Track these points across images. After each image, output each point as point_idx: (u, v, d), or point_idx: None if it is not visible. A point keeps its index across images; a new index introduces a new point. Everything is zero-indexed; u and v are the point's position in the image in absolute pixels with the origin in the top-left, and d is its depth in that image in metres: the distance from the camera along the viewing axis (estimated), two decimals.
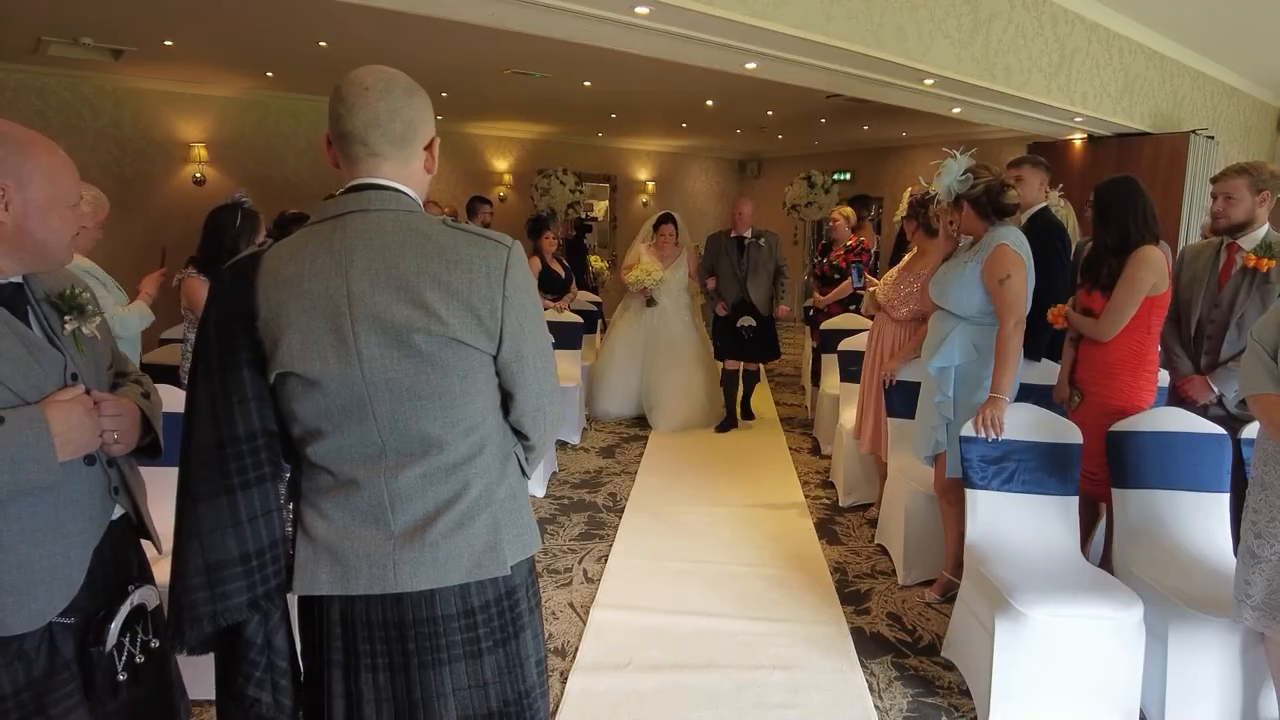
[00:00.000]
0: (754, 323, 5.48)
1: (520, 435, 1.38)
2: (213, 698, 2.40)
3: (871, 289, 4.04)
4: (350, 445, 1.24)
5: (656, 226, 5.81)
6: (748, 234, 5.53)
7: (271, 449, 1.27)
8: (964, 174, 2.90)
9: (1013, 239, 2.81)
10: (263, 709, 1.27)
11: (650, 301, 5.74)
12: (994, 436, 2.71)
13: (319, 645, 1.30)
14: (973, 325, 2.91)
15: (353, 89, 1.24)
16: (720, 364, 5.78)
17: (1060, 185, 4.82)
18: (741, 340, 5.50)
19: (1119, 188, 2.86)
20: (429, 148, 1.31)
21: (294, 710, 1.31)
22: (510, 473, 1.34)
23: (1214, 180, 2.99)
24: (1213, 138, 6.58)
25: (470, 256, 1.21)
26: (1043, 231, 3.27)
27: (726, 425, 5.73)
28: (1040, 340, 3.26)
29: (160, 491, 1.94)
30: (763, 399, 6.63)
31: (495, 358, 1.26)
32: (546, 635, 2.88)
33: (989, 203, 2.85)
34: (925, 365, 3.03)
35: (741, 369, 5.71)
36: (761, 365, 6.12)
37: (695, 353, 5.85)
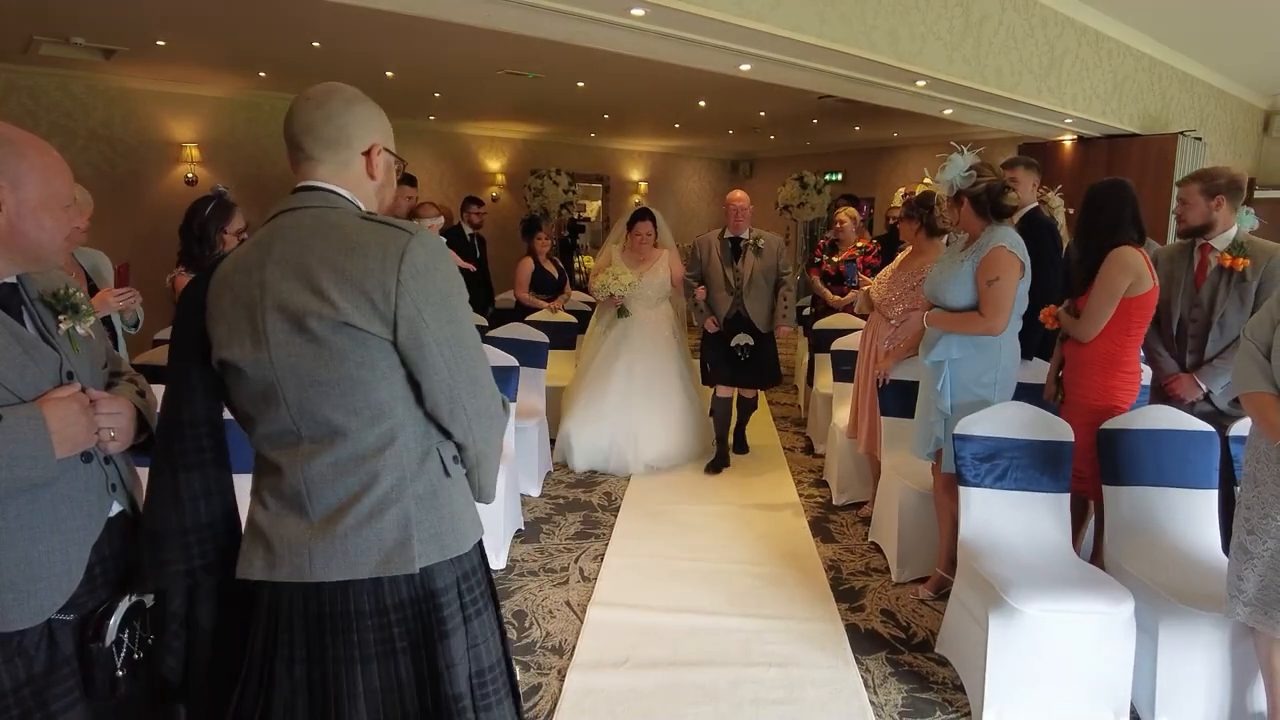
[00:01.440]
0: (751, 341, 4.58)
1: (446, 434, 1.34)
2: None
3: (865, 288, 4.05)
4: (272, 431, 1.30)
5: (631, 224, 4.83)
6: (745, 234, 4.61)
7: (214, 436, 1.36)
8: (968, 170, 2.90)
9: (1010, 242, 2.84)
10: (164, 670, 1.35)
11: (621, 311, 4.77)
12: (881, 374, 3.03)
13: (251, 633, 1.34)
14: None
15: (299, 100, 1.35)
16: (710, 390, 4.87)
17: (1059, 185, 4.86)
18: (736, 362, 4.61)
19: (1105, 189, 2.90)
20: (368, 154, 1.37)
21: (201, 683, 1.36)
22: (430, 469, 1.31)
23: (1177, 184, 3.08)
24: (1200, 139, 6.65)
25: (369, 243, 1.24)
26: (1036, 232, 3.31)
27: (718, 464, 4.79)
28: (1031, 340, 3.29)
29: None
30: (762, 426, 5.73)
31: (394, 344, 1.25)
32: (544, 634, 2.89)
33: (989, 202, 2.87)
34: (922, 361, 3.05)
35: (736, 396, 4.85)
36: (760, 392, 5.10)
37: (680, 375, 4.90)
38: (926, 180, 3.11)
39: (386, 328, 1.23)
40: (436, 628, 1.30)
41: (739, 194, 4.69)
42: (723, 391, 4.74)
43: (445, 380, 1.28)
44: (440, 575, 1.31)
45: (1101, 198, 2.87)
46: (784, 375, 6.19)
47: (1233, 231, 2.96)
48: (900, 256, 3.96)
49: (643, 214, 4.86)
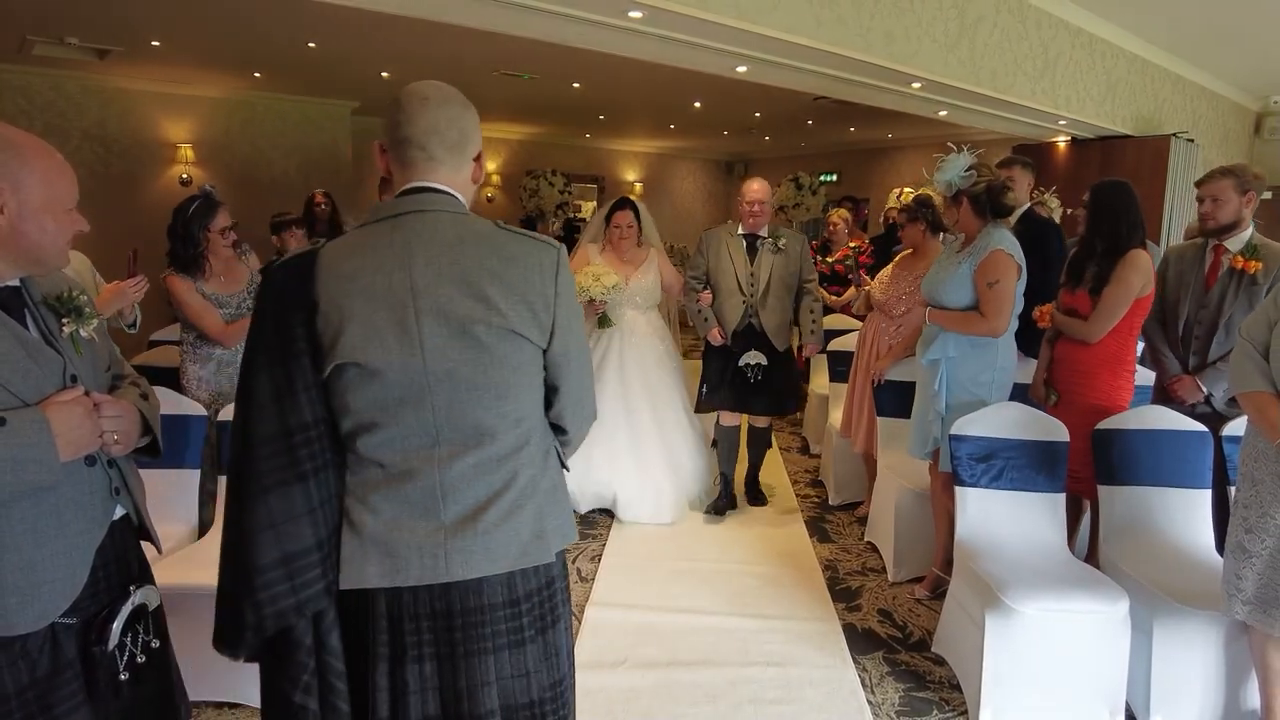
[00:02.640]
0: (764, 360, 3.78)
1: (558, 430, 1.44)
2: (212, 699, 2.42)
3: (866, 288, 4.06)
4: (405, 436, 1.26)
5: (609, 216, 3.98)
6: (763, 232, 3.84)
7: (332, 437, 1.29)
8: (967, 170, 2.91)
9: (1008, 244, 2.84)
10: (309, 717, 1.24)
11: (603, 321, 3.92)
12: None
13: (361, 640, 1.29)
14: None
15: (412, 99, 1.31)
16: (714, 417, 4.05)
17: (1054, 186, 4.88)
18: (744, 383, 3.81)
19: (1116, 190, 2.91)
20: (477, 159, 1.39)
21: (351, 716, 1.28)
22: (551, 465, 1.40)
23: (1199, 183, 3.03)
24: (1193, 140, 6.69)
25: (525, 254, 1.30)
26: (1040, 233, 3.32)
27: (721, 505, 3.99)
28: (1027, 339, 3.31)
29: (160, 494, 1.95)
30: (776, 468, 4.76)
31: (545, 352, 1.33)
32: None
33: (988, 201, 2.88)
34: (919, 360, 3.06)
35: (744, 425, 4.04)
36: (773, 419, 4.16)
37: (682, 404, 4.08)
38: (930, 182, 3.10)
39: (544, 336, 1.31)
40: (552, 612, 1.37)
41: (756, 185, 3.84)
42: (727, 418, 3.96)
43: (579, 385, 1.41)
44: (558, 563, 1.39)
45: (1117, 199, 2.88)
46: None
47: (1247, 233, 2.95)
48: (900, 256, 3.98)
49: (622, 203, 4.01)
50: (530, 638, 1.33)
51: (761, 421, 4.05)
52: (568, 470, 1.47)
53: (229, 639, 1.25)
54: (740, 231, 3.86)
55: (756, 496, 4.22)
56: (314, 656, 1.26)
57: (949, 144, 3.04)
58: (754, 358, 3.78)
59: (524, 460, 1.32)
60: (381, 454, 1.27)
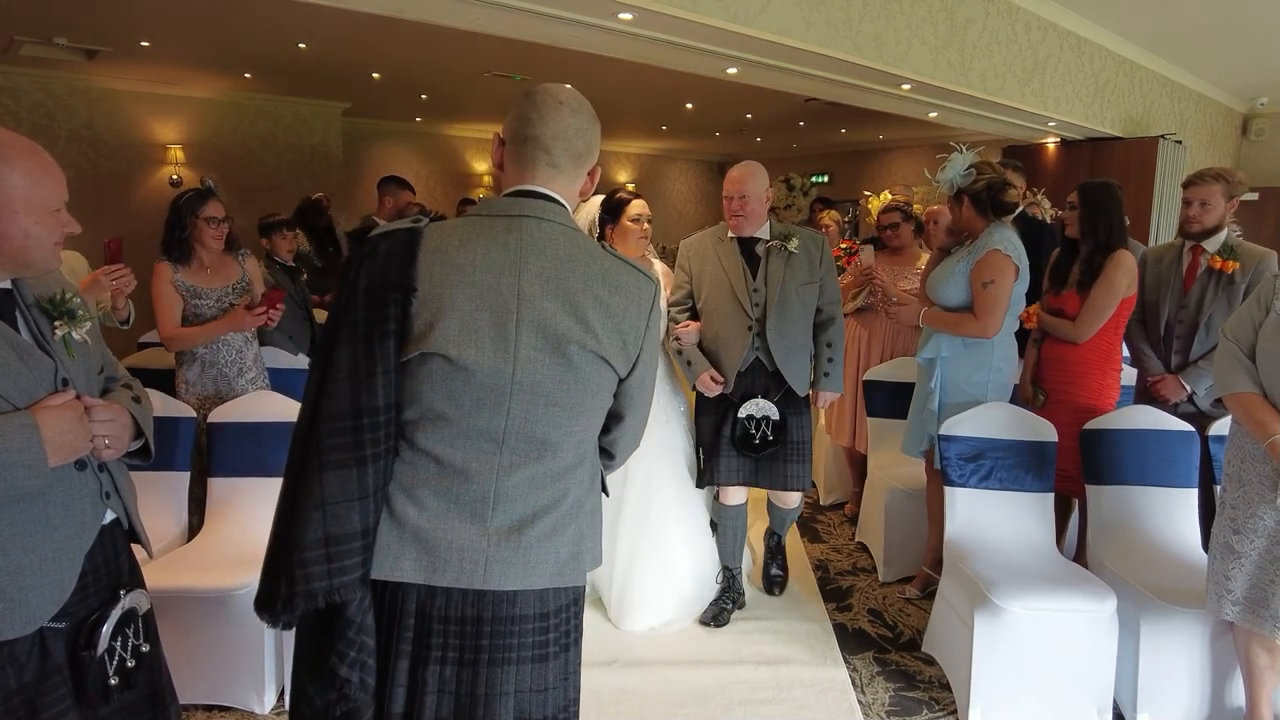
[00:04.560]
0: (774, 414, 2.80)
1: (606, 455, 1.45)
2: (203, 702, 2.41)
3: (880, 283, 3.96)
4: (470, 437, 1.25)
5: (616, 209, 2.86)
6: (762, 233, 2.85)
7: (398, 424, 1.26)
8: (968, 169, 2.91)
9: (1006, 244, 2.82)
10: (352, 689, 1.23)
11: None
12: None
13: (387, 634, 1.27)
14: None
15: (548, 100, 1.30)
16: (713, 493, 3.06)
17: (1044, 188, 4.91)
18: (751, 445, 2.82)
19: (1103, 190, 2.94)
20: (591, 173, 1.40)
21: (376, 691, 1.27)
22: (596, 488, 1.41)
23: (1187, 185, 3.05)
24: (1180, 142, 6.74)
25: (628, 284, 1.31)
26: (1038, 234, 3.34)
27: (724, 612, 2.98)
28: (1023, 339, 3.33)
29: (151, 496, 1.94)
30: (796, 550, 3.69)
31: (623, 380, 1.35)
32: None
33: (989, 199, 2.87)
34: (916, 358, 3.07)
35: (746, 500, 3.02)
36: (799, 495, 3.03)
37: (689, 472, 3.06)
38: (932, 181, 3.07)
39: (627, 366, 1.33)
40: (575, 631, 1.38)
41: (736, 172, 2.84)
42: (732, 495, 2.94)
43: (640, 417, 1.44)
44: (583, 582, 1.40)
45: (1103, 199, 2.91)
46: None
47: (1224, 234, 3.00)
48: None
49: (630, 194, 2.99)
50: (554, 654, 1.32)
51: (788, 500, 2.97)
52: (607, 495, 1.49)
53: (268, 607, 1.22)
54: (731, 235, 2.88)
55: (773, 580, 3.21)
56: (360, 635, 1.24)
57: (952, 143, 3.01)
58: (759, 408, 2.80)
59: (576, 480, 1.33)
60: (441, 449, 1.25)
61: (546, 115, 1.29)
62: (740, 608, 3.06)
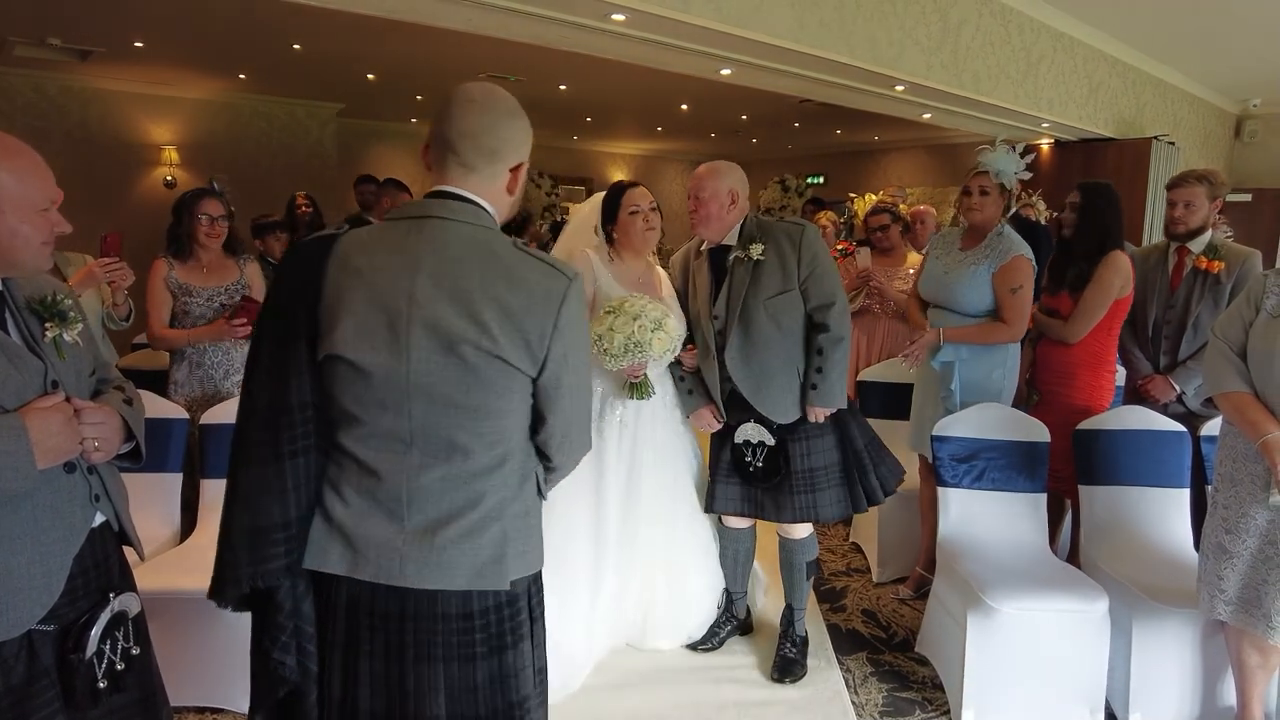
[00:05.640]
0: (769, 439, 2.52)
1: (544, 457, 1.41)
2: (194, 705, 2.41)
3: (877, 285, 3.90)
4: (381, 437, 1.28)
5: (616, 199, 2.61)
6: (730, 239, 2.51)
7: (317, 421, 1.30)
8: (1022, 169, 2.90)
9: (1027, 249, 2.85)
10: (286, 671, 1.29)
11: (640, 390, 2.56)
12: (911, 366, 2.94)
13: (324, 623, 1.33)
14: (977, 322, 2.91)
15: (459, 99, 1.31)
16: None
17: (1040, 189, 4.92)
18: (745, 472, 2.58)
19: (1104, 191, 2.96)
20: (515, 170, 1.36)
21: (317, 676, 1.32)
22: (527, 491, 1.37)
23: (1170, 187, 3.08)
24: (1174, 143, 6.77)
25: (532, 281, 1.27)
26: (1027, 234, 3.35)
27: (715, 632, 2.82)
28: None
29: (142, 498, 1.93)
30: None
31: (535, 380, 1.31)
32: None
33: (1008, 201, 2.93)
34: (930, 362, 3.04)
35: (753, 524, 2.77)
36: (808, 527, 2.66)
37: (699, 492, 2.80)
38: (986, 159, 2.97)
39: (534, 366, 1.28)
40: (513, 633, 1.35)
41: (702, 169, 2.56)
42: (733, 521, 2.73)
43: (568, 419, 1.36)
44: (518, 584, 1.36)
45: (1103, 200, 2.93)
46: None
47: (1209, 235, 3.02)
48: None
49: (633, 184, 2.67)
50: (482, 655, 1.32)
51: (797, 531, 2.62)
52: (543, 498, 1.43)
53: (212, 590, 1.30)
54: (703, 246, 2.59)
55: (792, 633, 2.71)
56: (292, 620, 1.30)
57: (999, 139, 2.99)
58: (755, 433, 2.52)
59: (496, 483, 1.31)
60: (358, 449, 1.29)
61: (454, 114, 1.30)
62: (744, 633, 2.89)
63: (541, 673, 1.43)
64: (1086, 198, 2.95)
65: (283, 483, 1.27)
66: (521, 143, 1.36)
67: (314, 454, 1.30)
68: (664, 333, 2.34)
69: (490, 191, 1.33)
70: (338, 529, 1.29)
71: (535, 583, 1.42)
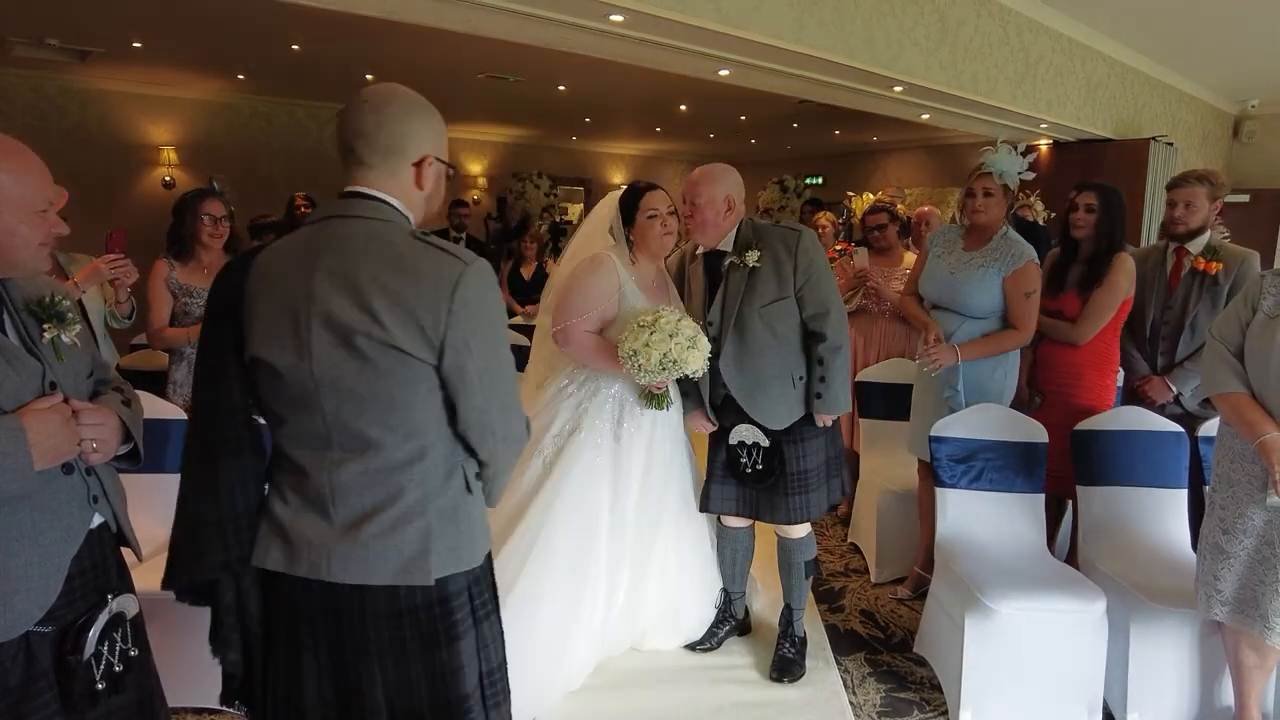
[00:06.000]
0: (763, 440, 2.52)
1: (471, 452, 1.38)
2: (193, 706, 2.41)
3: (874, 285, 3.89)
4: (302, 434, 1.32)
5: (630, 206, 2.52)
6: (725, 245, 2.51)
7: (250, 425, 1.35)
8: (1025, 169, 2.90)
9: (1033, 253, 2.86)
10: (228, 665, 1.37)
11: (659, 401, 2.56)
12: (931, 370, 2.84)
13: (271, 619, 1.38)
14: (982, 324, 2.90)
15: (354, 101, 1.34)
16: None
17: (1038, 190, 4.93)
18: (741, 473, 2.58)
19: (1117, 194, 2.98)
20: (419, 165, 1.35)
21: (261, 672, 1.38)
22: (453, 486, 1.35)
23: (1170, 187, 3.08)
24: (1172, 144, 6.77)
25: (423, 267, 1.25)
26: (1026, 235, 3.36)
27: (714, 632, 2.82)
28: None
29: (141, 499, 1.93)
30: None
31: (438, 369, 1.28)
32: None
33: (1010, 202, 2.94)
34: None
35: (751, 524, 2.76)
36: (805, 526, 2.65)
37: (694, 492, 2.79)
38: (989, 160, 2.95)
39: (432, 354, 1.26)
40: (447, 631, 1.35)
41: (696, 172, 2.53)
42: (732, 520, 2.73)
43: (481, 407, 1.32)
44: (453, 581, 1.35)
45: (1115, 202, 2.95)
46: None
47: (1207, 236, 3.02)
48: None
49: (648, 185, 2.59)
50: (415, 650, 1.32)
51: (794, 531, 2.62)
52: (470, 492, 1.38)
53: (164, 580, 1.36)
54: (699, 250, 2.60)
55: (791, 640, 2.72)
56: (233, 614, 1.36)
57: (1000, 140, 2.93)
58: (750, 434, 2.53)
59: (416, 477, 1.30)
60: (288, 448, 1.34)
61: (347, 118, 1.33)
62: (742, 633, 2.89)
63: (491, 674, 1.41)
64: (1104, 200, 2.95)
65: (215, 482, 1.32)
66: (419, 136, 1.35)
67: (249, 455, 1.35)
68: (698, 350, 2.33)
69: (394, 187, 1.34)
70: (277, 527, 1.33)
71: (478, 582, 1.40)
